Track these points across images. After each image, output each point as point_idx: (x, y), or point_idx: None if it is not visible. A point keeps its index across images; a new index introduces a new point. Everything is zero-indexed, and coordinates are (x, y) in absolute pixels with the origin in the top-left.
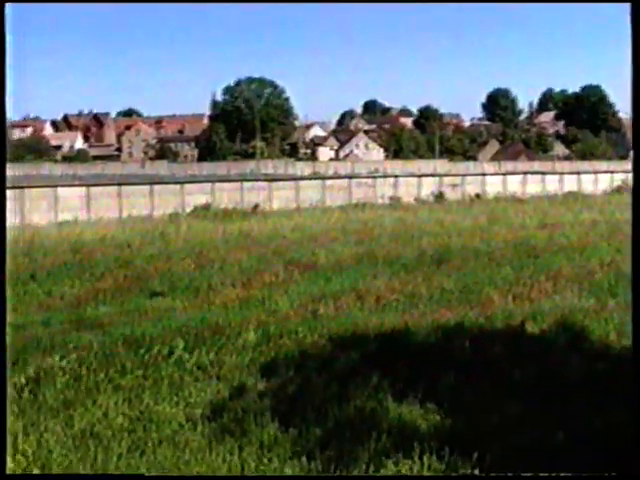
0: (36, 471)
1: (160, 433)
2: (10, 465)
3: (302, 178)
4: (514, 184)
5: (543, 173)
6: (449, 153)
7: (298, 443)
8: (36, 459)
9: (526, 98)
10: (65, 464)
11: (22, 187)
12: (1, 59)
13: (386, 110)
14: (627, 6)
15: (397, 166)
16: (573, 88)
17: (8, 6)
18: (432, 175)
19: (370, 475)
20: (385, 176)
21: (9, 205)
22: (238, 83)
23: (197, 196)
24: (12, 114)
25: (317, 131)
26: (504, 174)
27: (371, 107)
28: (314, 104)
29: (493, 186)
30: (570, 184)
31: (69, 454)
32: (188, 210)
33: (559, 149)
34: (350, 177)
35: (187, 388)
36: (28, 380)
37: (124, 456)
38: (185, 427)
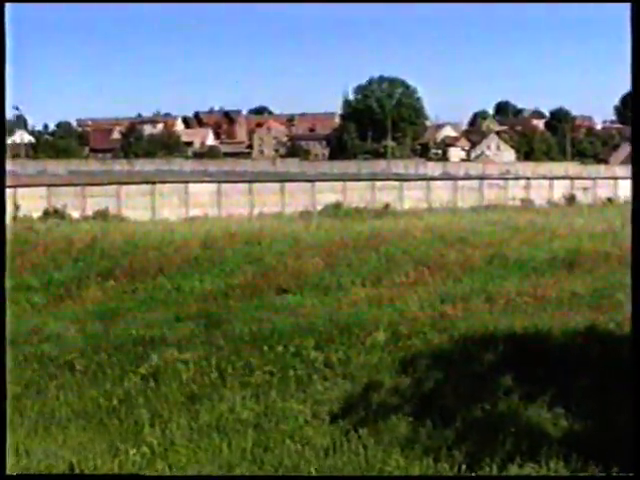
0: (160, 464)
1: (286, 429)
2: (135, 458)
3: (433, 178)
4: None
5: None
6: (580, 156)
7: (426, 443)
8: (161, 452)
9: None
10: (190, 457)
11: (153, 182)
12: (1, 59)
13: (518, 111)
14: (627, 6)
15: (528, 168)
16: None
17: (8, 6)
18: (563, 178)
19: (370, 475)
20: (516, 178)
21: (141, 200)
22: (370, 82)
23: (328, 194)
24: (143, 109)
25: (448, 131)
26: None
27: (503, 108)
28: (446, 104)
29: (625, 190)
30: None
31: (194, 447)
32: (319, 208)
33: None
34: (481, 178)
35: (315, 386)
36: (154, 373)
37: (248, 451)
38: (311, 424)
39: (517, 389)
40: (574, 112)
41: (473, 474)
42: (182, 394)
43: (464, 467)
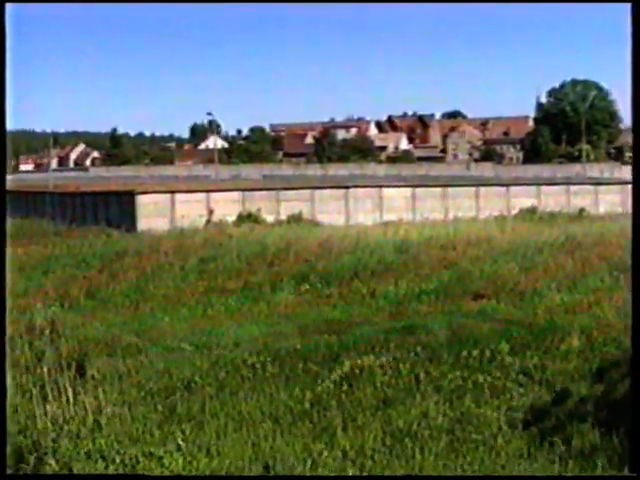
0: (352, 467)
1: (478, 436)
2: (327, 460)
3: (628, 182)
4: None
5: None
6: None
7: (619, 453)
8: (353, 455)
9: None
10: (382, 462)
11: (347, 187)
12: (1, 59)
13: None
14: (627, 6)
15: None
16: None
17: (8, 6)
18: None
19: (370, 475)
20: None
21: (334, 205)
22: (562, 85)
23: (523, 199)
24: (336, 114)
25: None
26: None
27: None
28: None
29: None
30: None
31: (386, 452)
32: (513, 213)
33: None
34: None
35: (509, 392)
36: (346, 377)
37: (440, 456)
38: (504, 431)
39: None
40: None
41: None
42: (376, 398)
43: None
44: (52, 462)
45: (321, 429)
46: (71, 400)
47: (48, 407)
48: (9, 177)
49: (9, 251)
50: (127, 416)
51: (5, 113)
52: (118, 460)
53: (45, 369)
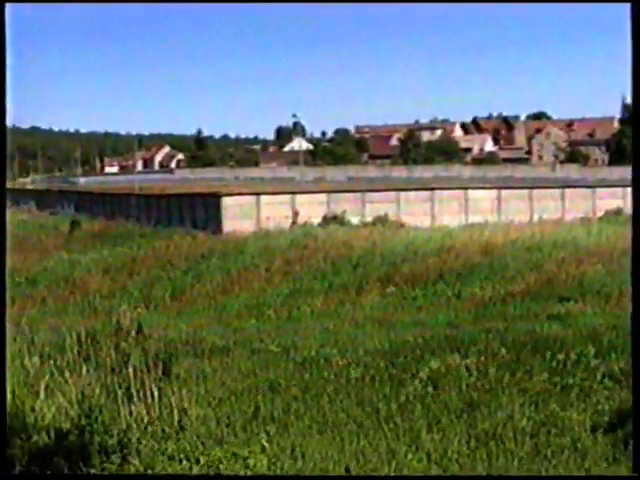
0: (435, 469)
1: (564, 439)
2: (411, 463)
3: None
4: None
5: None
6: None
7: None
8: (437, 458)
9: None
10: (465, 464)
11: (432, 189)
12: (1, 59)
13: None
14: (627, 6)
15: None
16: None
17: (8, 6)
18: None
19: (370, 475)
20: None
21: (420, 207)
22: None
23: (608, 200)
24: (421, 116)
25: None
26: None
27: None
28: None
29: None
30: None
31: (470, 454)
32: (599, 214)
33: None
34: None
35: (595, 395)
36: (431, 379)
37: (525, 460)
38: (590, 435)
39: None
40: None
41: None
42: (461, 401)
43: None
44: (136, 462)
45: (405, 431)
46: (156, 400)
47: (133, 407)
48: (95, 179)
49: (93, 254)
50: (212, 416)
51: (5, 113)
52: (203, 461)
53: (130, 370)
